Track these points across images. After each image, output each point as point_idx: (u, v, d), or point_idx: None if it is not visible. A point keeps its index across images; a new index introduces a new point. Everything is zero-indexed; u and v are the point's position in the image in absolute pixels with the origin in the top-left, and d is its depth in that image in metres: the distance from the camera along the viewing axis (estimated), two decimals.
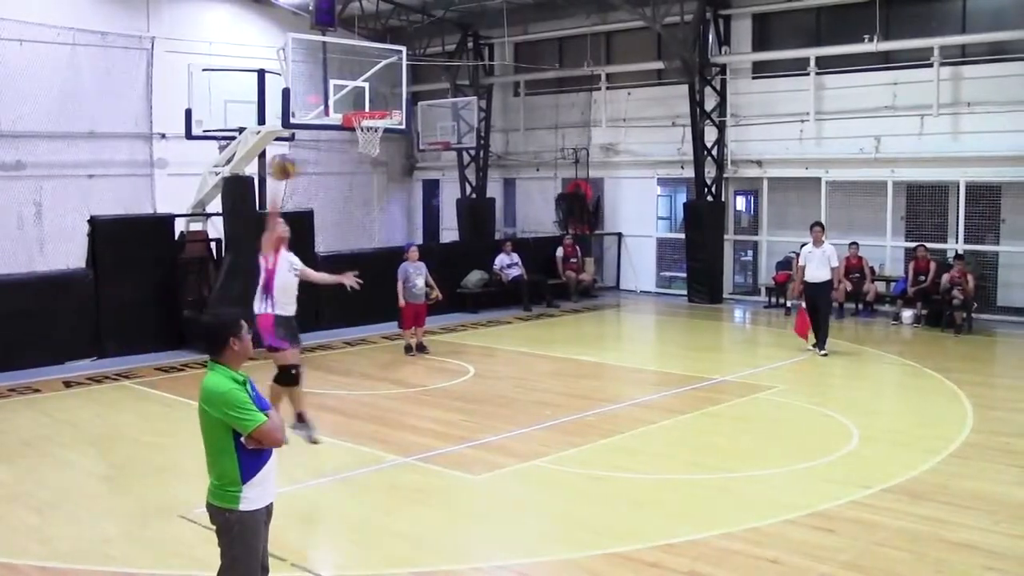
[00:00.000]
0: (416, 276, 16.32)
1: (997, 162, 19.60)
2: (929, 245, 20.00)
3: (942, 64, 20.07)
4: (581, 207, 25.30)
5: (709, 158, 23.03)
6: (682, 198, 24.91)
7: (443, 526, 8.30)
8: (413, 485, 9.40)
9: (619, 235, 25.68)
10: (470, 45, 26.88)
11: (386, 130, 16.59)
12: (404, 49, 17.31)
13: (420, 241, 27.77)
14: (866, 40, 20.66)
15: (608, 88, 25.53)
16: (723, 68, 23.19)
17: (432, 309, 17.27)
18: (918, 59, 20.38)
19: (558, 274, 23.46)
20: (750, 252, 24.24)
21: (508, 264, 22.32)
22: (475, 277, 21.96)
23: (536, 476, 9.64)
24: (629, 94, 25.27)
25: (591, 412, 12.23)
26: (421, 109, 25.56)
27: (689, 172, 23.34)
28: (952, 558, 7.27)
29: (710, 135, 23.01)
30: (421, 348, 16.61)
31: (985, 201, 20.17)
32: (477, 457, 10.22)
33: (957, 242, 20.29)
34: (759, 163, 22.86)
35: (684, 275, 23.86)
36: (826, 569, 7.10)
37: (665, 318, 21.48)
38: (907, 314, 19.64)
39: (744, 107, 23.16)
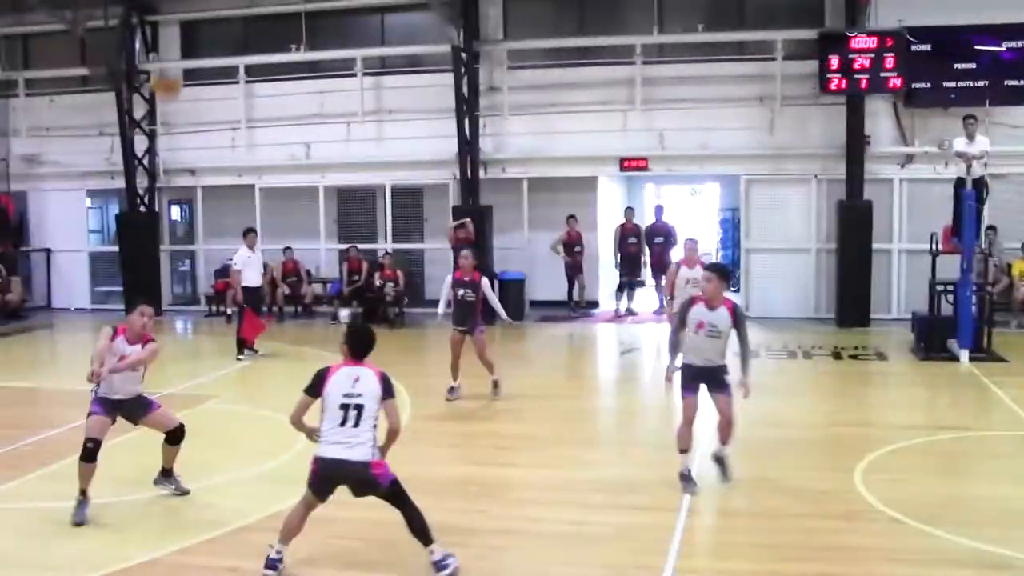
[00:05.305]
0: None
1: (418, 167, 21.13)
2: (361, 246, 21.15)
3: (365, 74, 21.26)
4: (3, 223, 23.41)
5: (141, 168, 22.44)
6: (115, 210, 23.98)
7: None
8: None
9: (47, 251, 24.15)
10: None
11: None
12: None
13: None
14: (293, 49, 21.31)
15: (28, 95, 23.90)
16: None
17: None
18: (343, 69, 21.43)
19: None
20: (187, 262, 23.97)
21: None
22: None
23: None
24: (52, 101, 23.83)
25: (28, 441, 11.41)
26: None
27: (121, 183, 22.57)
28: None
29: (141, 144, 22.43)
30: None
31: (410, 202, 21.67)
32: None
33: (386, 241, 21.64)
34: (192, 172, 22.69)
35: (121, 289, 22.93)
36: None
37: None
38: (343, 313, 20.61)
39: (175, 115, 22.81)
